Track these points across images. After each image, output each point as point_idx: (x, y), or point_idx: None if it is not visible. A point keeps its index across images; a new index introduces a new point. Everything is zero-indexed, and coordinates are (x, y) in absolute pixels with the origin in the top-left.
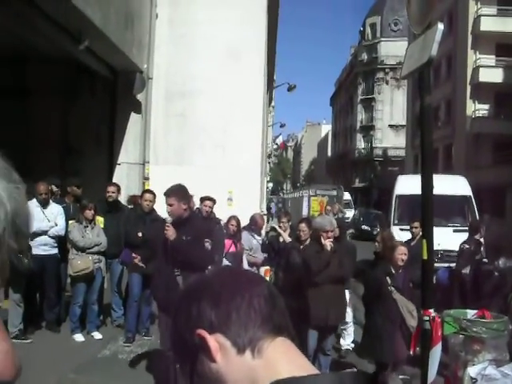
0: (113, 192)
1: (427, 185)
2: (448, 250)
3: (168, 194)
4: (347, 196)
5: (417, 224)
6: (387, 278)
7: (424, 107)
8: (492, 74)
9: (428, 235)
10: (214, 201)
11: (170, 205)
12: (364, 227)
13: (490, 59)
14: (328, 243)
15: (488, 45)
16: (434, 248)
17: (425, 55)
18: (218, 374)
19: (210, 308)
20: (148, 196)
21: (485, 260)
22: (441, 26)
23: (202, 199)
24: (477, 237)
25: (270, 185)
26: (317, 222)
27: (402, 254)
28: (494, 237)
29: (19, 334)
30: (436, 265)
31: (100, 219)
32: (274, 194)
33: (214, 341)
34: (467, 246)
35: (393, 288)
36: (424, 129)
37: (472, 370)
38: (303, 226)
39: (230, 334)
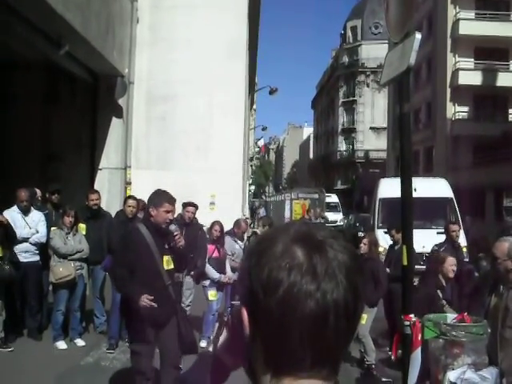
0: (96, 199)
1: (407, 193)
2: None
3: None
4: (334, 198)
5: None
6: (438, 291)
7: (403, 115)
8: (471, 77)
9: (408, 242)
10: (196, 206)
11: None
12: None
13: (469, 62)
14: None
15: (467, 48)
16: (419, 251)
17: (403, 64)
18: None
19: None
20: (131, 202)
21: (466, 260)
22: (418, 36)
23: (185, 205)
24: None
25: (253, 188)
26: None
27: (452, 265)
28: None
29: (0, 342)
30: (423, 267)
31: (82, 226)
32: (257, 197)
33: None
34: (435, 248)
35: (444, 302)
36: (403, 137)
37: (451, 375)
38: None
39: None
